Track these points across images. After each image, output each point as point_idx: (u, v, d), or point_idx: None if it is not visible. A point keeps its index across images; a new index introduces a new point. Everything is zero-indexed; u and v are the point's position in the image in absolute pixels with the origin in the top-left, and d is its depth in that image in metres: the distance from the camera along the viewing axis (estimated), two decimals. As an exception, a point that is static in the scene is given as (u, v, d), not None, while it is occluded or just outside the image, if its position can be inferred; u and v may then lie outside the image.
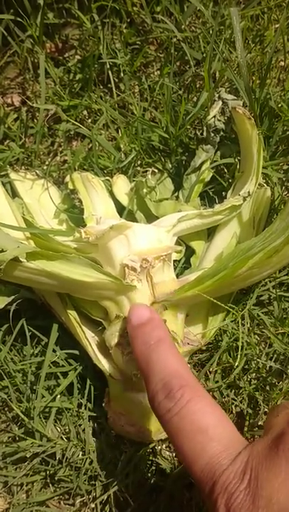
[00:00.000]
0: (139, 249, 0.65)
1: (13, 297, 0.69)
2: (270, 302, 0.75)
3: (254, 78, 0.84)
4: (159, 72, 0.88)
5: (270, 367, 0.70)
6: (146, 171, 0.79)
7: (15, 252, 0.58)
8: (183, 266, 0.76)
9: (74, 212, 0.78)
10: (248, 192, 0.70)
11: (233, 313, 0.71)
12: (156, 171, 0.80)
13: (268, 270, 0.64)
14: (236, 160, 0.76)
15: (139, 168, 0.80)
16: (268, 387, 0.70)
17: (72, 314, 0.68)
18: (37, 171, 0.79)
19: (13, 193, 0.78)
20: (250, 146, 0.71)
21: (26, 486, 0.71)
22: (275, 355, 0.72)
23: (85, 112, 0.88)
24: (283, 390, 0.70)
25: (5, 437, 0.72)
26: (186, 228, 0.70)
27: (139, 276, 0.64)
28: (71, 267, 0.62)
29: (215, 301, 0.63)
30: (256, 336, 0.73)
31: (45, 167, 0.84)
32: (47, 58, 0.84)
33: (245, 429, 0.70)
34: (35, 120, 0.88)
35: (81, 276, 0.62)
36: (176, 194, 0.78)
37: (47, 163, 0.85)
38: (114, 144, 0.83)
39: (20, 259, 0.59)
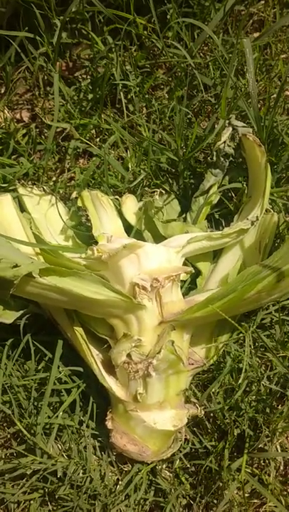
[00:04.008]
0: (149, 268, 0.66)
1: (22, 312, 0.69)
2: (272, 325, 0.76)
3: (259, 105, 0.86)
4: (167, 95, 0.90)
5: (271, 389, 0.71)
6: (154, 192, 0.80)
7: (29, 268, 0.59)
8: (188, 286, 0.77)
9: (80, 229, 0.78)
10: (256, 216, 0.72)
11: (236, 335, 0.71)
12: (163, 192, 0.81)
13: (276, 294, 0.66)
14: (244, 185, 0.77)
15: (147, 188, 0.81)
16: (268, 410, 0.71)
17: (79, 331, 0.68)
18: (44, 187, 0.80)
19: (21, 208, 0.78)
20: (259, 172, 0.73)
21: (24, 503, 0.70)
22: (276, 378, 0.72)
23: (93, 131, 0.89)
24: (284, 414, 0.70)
25: (3, 454, 0.71)
26: (195, 249, 0.72)
27: (149, 295, 0.65)
28: (83, 284, 0.62)
29: (228, 318, 0.63)
30: (257, 359, 0.74)
31: (51, 183, 0.84)
32: (59, 77, 0.85)
33: (246, 451, 0.70)
34: (43, 136, 0.89)
35: (92, 293, 0.62)
36: (183, 215, 0.80)
37: (54, 179, 0.86)
38: (123, 163, 0.84)
39: (34, 274, 0.59)
